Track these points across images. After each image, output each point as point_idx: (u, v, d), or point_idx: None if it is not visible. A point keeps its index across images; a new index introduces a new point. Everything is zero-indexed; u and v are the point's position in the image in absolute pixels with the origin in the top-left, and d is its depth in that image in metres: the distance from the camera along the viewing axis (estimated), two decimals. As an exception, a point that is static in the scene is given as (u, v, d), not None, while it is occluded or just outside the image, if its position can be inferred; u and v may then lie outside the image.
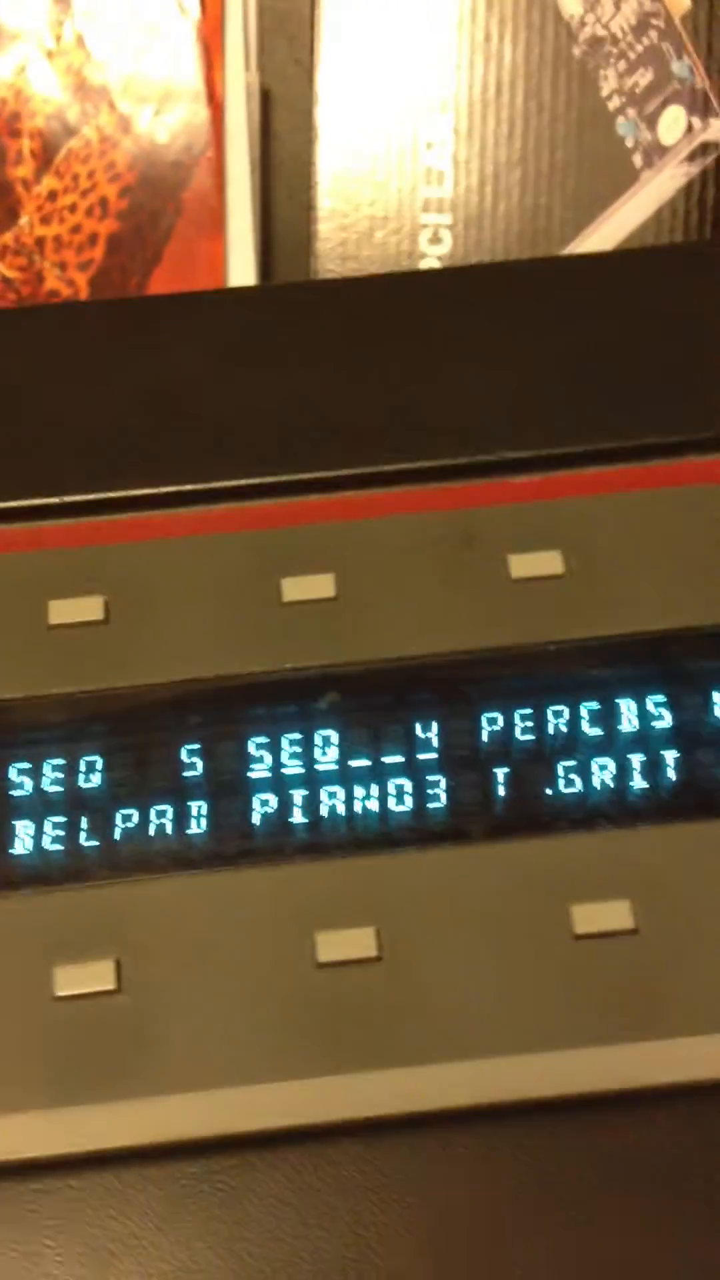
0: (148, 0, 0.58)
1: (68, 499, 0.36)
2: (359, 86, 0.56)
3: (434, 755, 0.34)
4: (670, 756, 0.34)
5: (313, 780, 0.34)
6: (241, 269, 0.57)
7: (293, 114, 0.58)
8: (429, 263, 0.56)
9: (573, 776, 0.34)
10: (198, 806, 0.34)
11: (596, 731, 0.35)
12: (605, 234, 0.56)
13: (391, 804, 0.34)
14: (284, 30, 0.59)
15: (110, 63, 0.58)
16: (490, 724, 0.35)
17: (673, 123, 0.56)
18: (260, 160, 0.57)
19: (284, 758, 0.34)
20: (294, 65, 0.58)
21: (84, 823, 0.33)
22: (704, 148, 0.55)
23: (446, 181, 0.56)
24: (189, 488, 0.37)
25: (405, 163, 0.56)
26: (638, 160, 0.56)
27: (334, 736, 0.34)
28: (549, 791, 0.34)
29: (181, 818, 0.33)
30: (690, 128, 0.55)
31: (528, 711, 0.35)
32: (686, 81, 0.55)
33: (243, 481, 0.37)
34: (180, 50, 0.57)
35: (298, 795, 0.34)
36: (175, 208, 0.58)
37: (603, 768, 0.34)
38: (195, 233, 0.57)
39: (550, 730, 0.34)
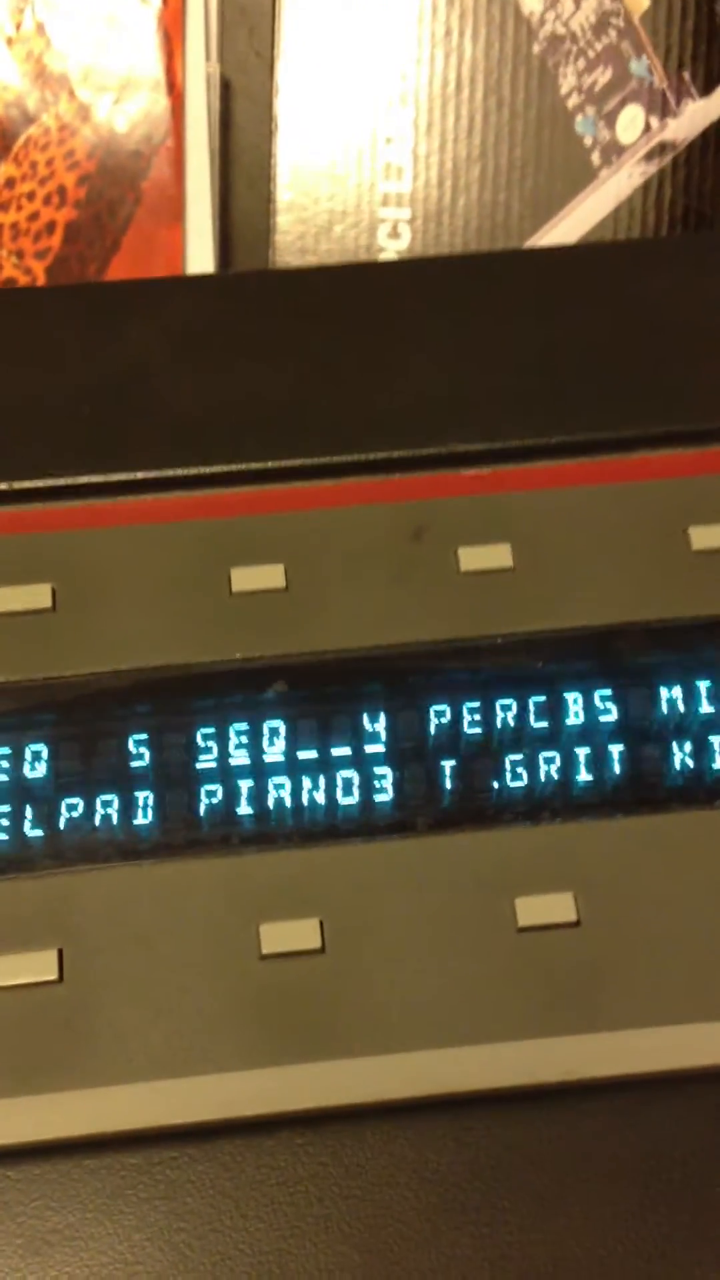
0: None
1: (16, 485, 0.36)
2: (319, 79, 0.56)
3: (381, 747, 0.34)
4: (615, 751, 0.34)
5: (259, 771, 0.34)
6: (200, 259, 0.57)
7: (253, 105, 0.58)
8: (387, 257, 0.55)
9: (519, 770, 0.34)
10: (144, 796, 0.33)
11: (542, 725, 0.34)
12: (563, 231, 0.55)
13: (338, 796, 0.34)
14: (245, 21, 0.58)
15: (70, 51, 0.57)
16: (438, 716, 0.34)
17: (631, 122, 0.56)
18: (220, 151, 0.57)
19: (231, 748, 0.34)
20: (255, 57, 0.58)
21: (29, 812, 0.33)
22: (661, 147, 0.56)
23: (405, 176, 0.56)
24: (139, 476, 0.36)
25: (365, 157, 0.56)
26: (596, 158, 0.56)
27: (281, 727, 0.34)
28: (495, 784, 0.34)
29: (127, 808, 0.33)
30: (648, 127, 0.56)
31: (475, 704, 0.34)
32: (645, 81, 0.56)
33: (193, 470, 0.36)
34: (141, 39, 0.57)
35: (244, 786, 0.34)
36: (134, 197, 0.57)
37: (548, 761, 0.34)
38: (154, 222, 0.57)
39: (497, 723, 0.34)
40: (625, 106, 0.56)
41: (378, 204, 0.56)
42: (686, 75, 0.56)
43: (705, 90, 0.56)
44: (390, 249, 0.56)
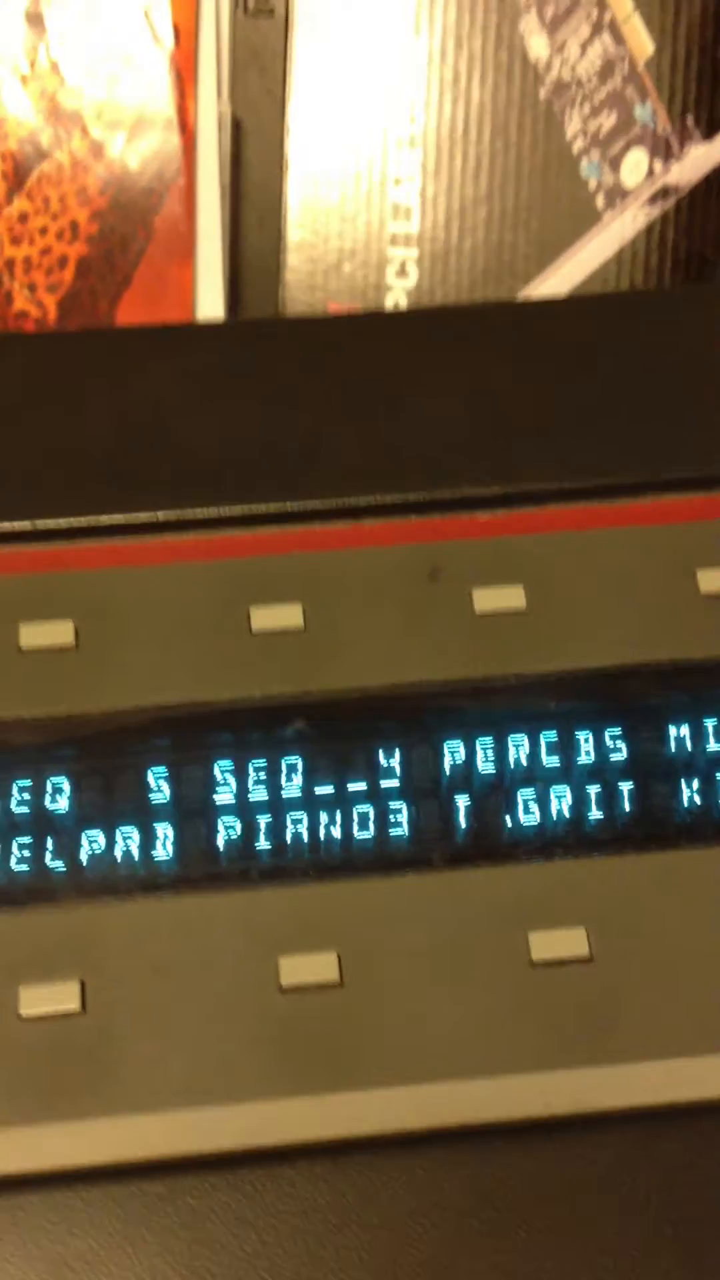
0: (122, 28, 0.58)
1: (40, 525, 0.36)
2: (329, 120, 0.57)
3: (397, 783, 0.35)
4: (626, 788, 0.35)
5: (278, 806, 0.34)
6: (210, 296, 0.59)
7: (264, 145, 0.58)
8: (395, 295, 0.57)
9: (531, 806, 0.35)
10: (164, 830, 0.34)
11: (555, 763, 0.35)
12: (567, 272, 0.57)
13: (355, 831, 0.34)
14: (256, 62, 0.58)
15: (84, 89, 0.58)
16: (452, 754, 0.35)
17: (635, 166, 0.57)
18: (231, 189, 0.58)
19: (249, 783, 0.34)
20: (266, 97, 0.58)
21: (51, 844, 0.33)
22: (665, 191, 0.57)
23: (414, 216, 0.57)
24: (160, 517, 0.37)
25: (374, 197, 0.57)
26: (600, 201, 0.57)
27: (299, 764, 0.35)
28: (508, 821, 0.35)
29: (148, 841, 0.34)
30: (652, 171, 0.57)
31: (489, 742, 0.35)
32: (649, 126, 0.57)
33: (213, 512, 0.37)
34: (153, 78, 0.58)
35: (263, 821, 0.34)
36: (146, 233, 0.58)
37: (560, 798, 0.35)
38: (165, 258, 0.58)
39: (510, 761, 0.35)
40: (629, 151, 0.57)
41: (386, 243, 0.57)
42: (690, 120, 0.56)
43: (708, 134, 0.56)
44: (398, 287, 0.57)
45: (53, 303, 0.58)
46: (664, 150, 0.56)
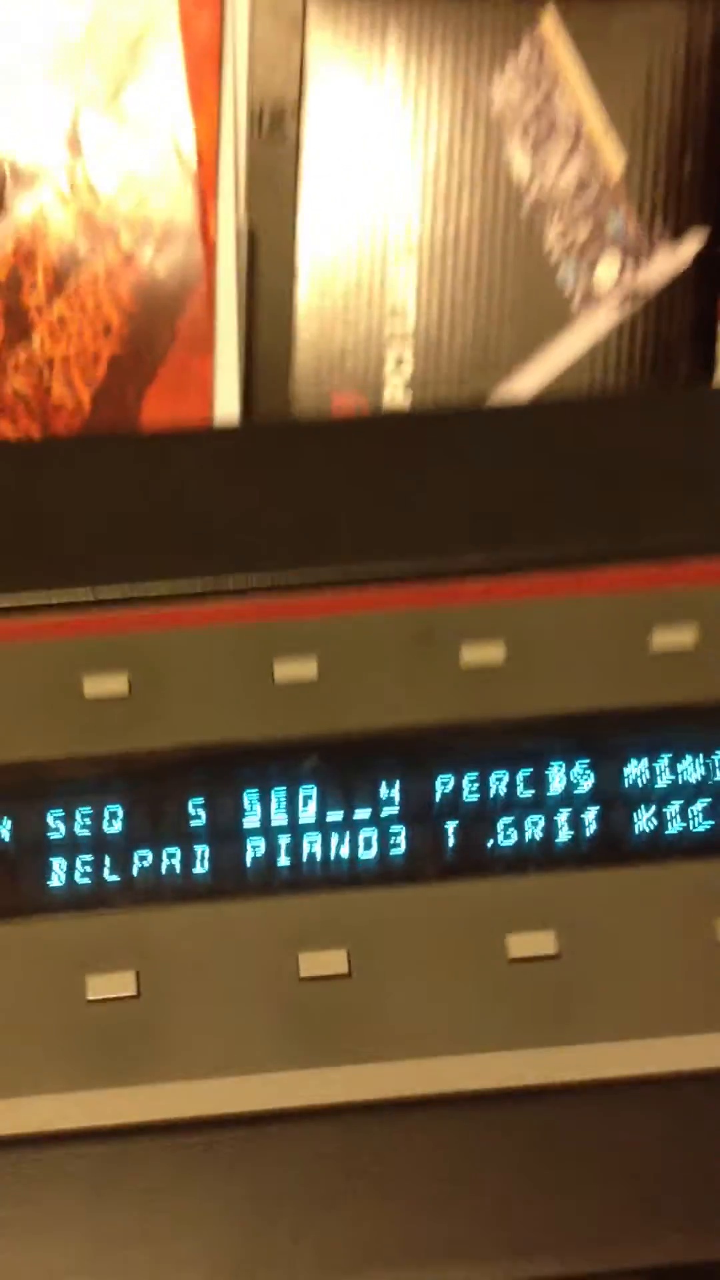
0: (152, 151, 0.60)
1: (100, 595, 0.40)
2: (334, 232, 0.59)
3: (396, 810, 0.38)
4: (590, 814, 0.39)
5: (296, 829, 0.38)
6: (227, 387, 0.60)
7: (276, 255, 0.59)
8: (393, 386, 0.59)
9: (509, 830, 0.38)
10: (201, 849, 0.38)
11: (530, 793, 0.39)
12: (546, 366, 0.59)
13: (360, 850, 0.38)
14: (270, 181, 0.60)
15: (117, 205, 0.60)
16: (443, 785, 0.39)
17: (607, 271, 0.59)
18: (246, 294, 0.59)
19: (272, 810, 0.38)
20: (278, 212, 0.59)
21: (108, 861, 0.38)
22: (634, 294, 0.59)
23: (409, 317, 0.59)
24: (198, 587, 0.40)
25: (374, 299, 0.59)
26: (576, 303, 0.59)
27: (314, 793, 0.38)
28: (490, 842, 0.38)
29: (188, 858, 0.38)
30: (622, 275, 0.59)
31: (474, 775, 0.39)
32: (620, 236, 0.59)
33: (242, 582, 0.40)
34: (179, 196, 0.60)
35: (283, 841, 0.38)
36: (171, 333, 0.60)
37: (534, 823, 0.38)
38: (188, 355, 0.60)
39: (492, 791, 0.39)
40: (602, 258, 0.59)
41: (385, 341, 0.59)
42: (657, 230, 0.58)
43: (676, 235, 0.59)
44: (395, 379, 0.59)
45: (87, 395, 0.60)
46: (634, 258, 0.58)
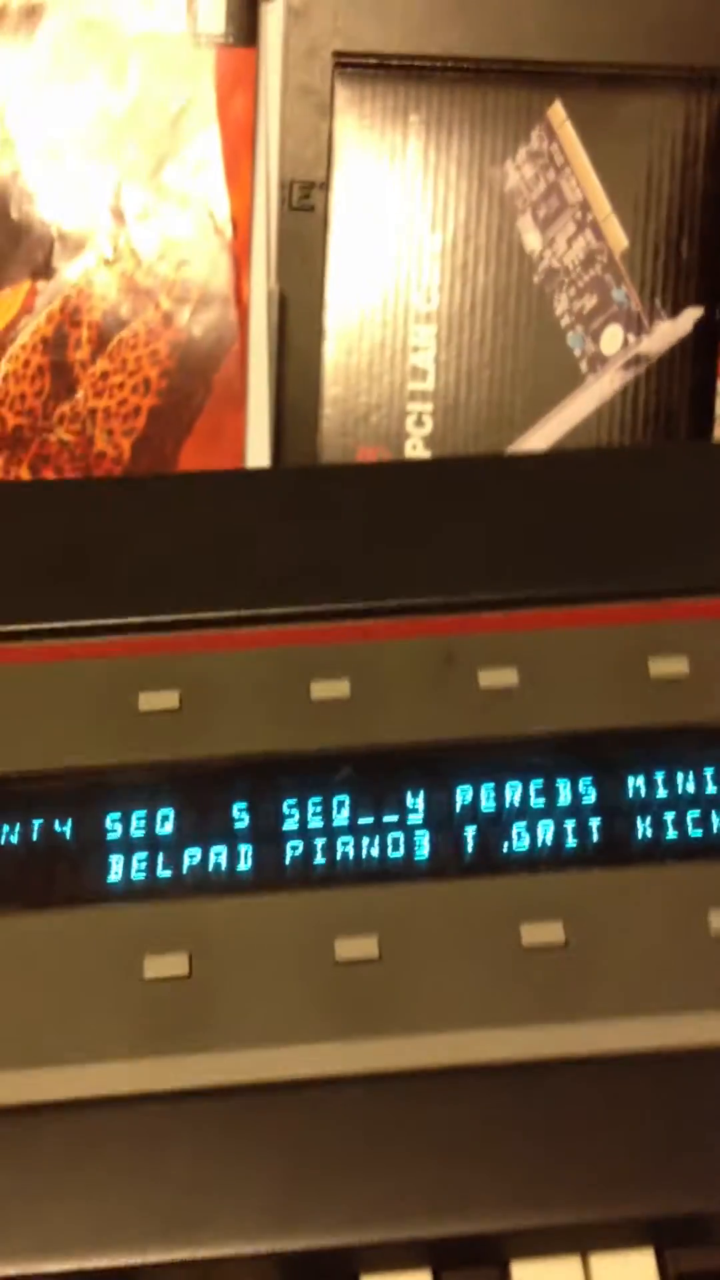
0: (190, 220, 0.63)
1: (154, 619, 0.43)
2: (359, 298, 0.61)
3: (420, 817, 0.41)
4: (595, 822, 0.41)
5: (330, 831, 0.41)
6: (258, 441, 0.62)
7: (305, 317, 0.62)
8: (413, 441, 0.61)
9: (523, 835, 0.41)
10: (245, 849, 0.41)
11: (540, 802, 0.41)
12: (556, 425, 0.61)
13: (389, 851, 0.41)
14: (300, 249, 0.63)
15: (157, 269, 0.63)
16: (462, 794, 0.41)
17: (612, 338, 0.61)
18: (277, 353, 0.62)
19: (309, 815, 0.41)
20: (307, 278, 0.63)
21: (161, 858, 0.41)
22: (637, 359, 0.62)
23: (429, 377, 0.61)
24: (243, 614, 0.43)
25: (396, 361, 0.61)
26: (584, 367, 0.61)
27: (347, 800, 0.41)
28: (505, 845, 0.41)
29: (233, 856, 0.41)
30: (626, 342, 0.61)
31: (490, 786, 0.41)
32: (624, 305, 0.61)
33: (282, 610, 0.43)
34: (215, 261, 0.63)
35: (319, 843, 0.41)
36: (206, 389, 0.63)
37: (545, 828, 0.41)
38: (222, 410, 0.63)
39: (507, 801, 0.41)
40: (608, 326, 0.62)
41: (406, 399, 0.61)
42: (658, 301, 0.62)
43: (673, 313, 0.62)
44: (416, 435, 0.61)
45: (127, 445, 0.63)
46: (636, 326, 0.61)
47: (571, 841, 0.42)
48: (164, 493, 0.47)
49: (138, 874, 0.41)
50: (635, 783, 0.42)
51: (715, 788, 0.42)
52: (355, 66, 0.62)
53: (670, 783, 0.42)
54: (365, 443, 0.61)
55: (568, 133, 0.62)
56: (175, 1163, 0.37)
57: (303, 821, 0.41)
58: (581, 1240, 0.37)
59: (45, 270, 0.63)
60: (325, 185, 0.62)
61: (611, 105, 0.62)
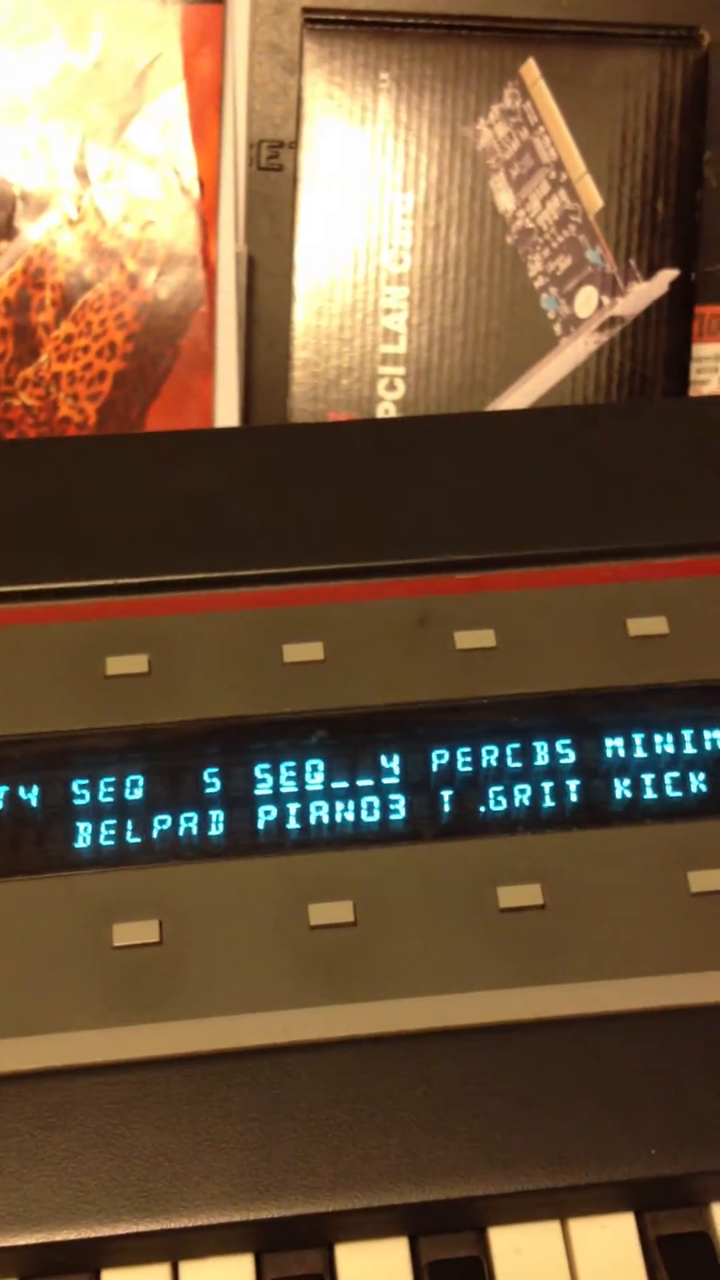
0: (156, 180, 0.62)
1: (122, 581, 0.43)
2: (329, 259, 0.61)
3: (396, 779, 0.41)
4: (572, 784, 0.41)
5: (304, 796, 0.41)
6: (227, 406, 0.62)
7: (274, 279, 0.62)
8: (385, 406, 0.61)
9: (499, 797, 0.41)
10: (216, 814, 0.41)
11: (517, 764, 0.41)
12: (530, 388, 0.61)
13: (363, 814, 0.41)
14: (268, 210, 0.63)
15: (122, 231, 0.62)
16: (438, 757, 0.41)
17: (586, 300, 0.61)
18: (245, 316, 0.62)
19: (282, 779, 0.41)
20: (276, 239, 0.62)
21: (130, 825, 0.40)
22: (612, 320, 0.62)
23: (401, 341, 0.61)
24: (214, 575, 0.43)
25: (368, 323, 0.61)
26: (558, 329, 0.61)
27: (321, 764, 0.41)
28: (481, 808, 0.41)
29: (205, 822, 0.40)
30: (601, 304, 0.61)
31: (466, 749, 0.41)
32: (598, 266, 0.61)
33: (253, 572, 0.43)
34: (181, 222, 0.62)
35: (293, 807, 0.41)
36: (173, 352, 0.62)
37: (521, 790, 0.41)
38: (189, 374, 0.62)
39: (483, 762, 0.41)
40: (582, 287, 0.61)
41: (378, 363, 0.61)
42: (632, 262, 0.61)
43: (648, 274, 0.62)
44: (388, 399, 0.61)
45: (93, 410, 0.63)
46: (611, 287, 0.61)
47: (549, 803, 0.41)
48: (132, 452, 0.47)
49: (106, 841, 0.41)
50: (614, 743, 0.42)
51: (694, 748, 0.42)
52: (325, 23, 0.62)
53: (649, 743, 0.42)
54: (336, 407, 0.61)
55: (541, 91, 0.62)
56: (146, 1132, 0.37)
57: (276, 786, 0.41)
58: (560, 1205, 0.37)
59: (7, 231, 0.63)
60: (294, 145, 0.62)
61: (586, 63, 0.62)
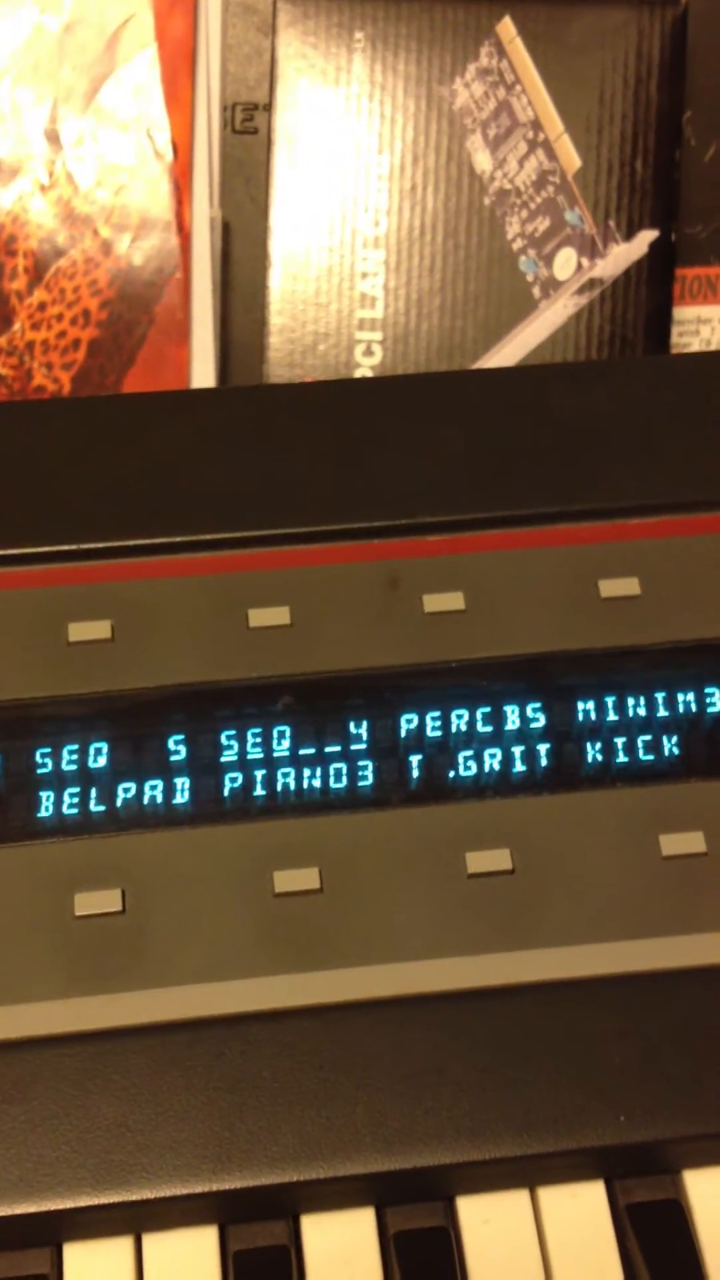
0: (129, 144, 0.61)
1: (85, 546, 0.42)
2: (305, 223, 0.61)
3: (364, 745, 0.41)
4: (542, 748, 0.41)
5: (270, 762, 0.40)
6: (203, 373, 0.62)
7: (249, 244, 0.62)
8: (362, 371, 0.61)
9: (469, 762, 0.41)
10: (181, 781, 0.40)
11: (487, 728, 0.41)
12: (509, 352, 0.61)
13: (331, 780, 0.40)
14: (243, 173, 0.62)
15: (95, 196, 0.61)
16: (407, 722, 0.41)
17: (565, 262, 0.61)
18: (221, 282, 0.62)
19: (248, 745, 0.40)
20: (251, 203, 0.62)
21: (94, 793, 0.40)
22: (591, 283, 0.61)
23: (378, 305, 0.61)
24: (177, 539, 0.42)
25: (344, 288, 0.61)
26: (536, 292, 0.61)
27: (287, 730, 0.41)
28: (450, 773, 0.41)
29: (169, 789, 0.40)
30: (580, 266, 0.61)
31: (436, 713, 0.41)
32: (577, 228, 0.61)
33: (220, 535, 0.43)
34: (155, 187, 0.62)
35: (259, 774, 0.40)
36: (148, 319, 0.62)
37: (491, 754, 0.41)
38: (164, 341, 0.62)
39: (452, 726, 0.41)
40: (561, 249, 0.61)
41: (355, 328, 0.61)
42: (612, 223, 0.61)
43: (627, 235, 0.61)
44: (365, 365, 0.61)
45: (67, 379, 0.62)
46: (590, 249, 0.61)
47: (519, 767, 0.41)
48: (94, 415, 0.46)
49: (69, 810, 0.40)
50: (585, 706, 0.42)
51: (666, 710, 0.42)
52: (298, -17, 0.61)
53: (620, 706, 0.42)
54: (313, 373, 0.61)
55: (518, 49, 0.61)
56: (108, 1103, 0.36)
57: (242, 753, 0.41)
58: (530, 1173, 0.37)
59: (-23, 197, 0.62)
60: (268, 107, 0.62)
61: (563, 21, 0.61)
